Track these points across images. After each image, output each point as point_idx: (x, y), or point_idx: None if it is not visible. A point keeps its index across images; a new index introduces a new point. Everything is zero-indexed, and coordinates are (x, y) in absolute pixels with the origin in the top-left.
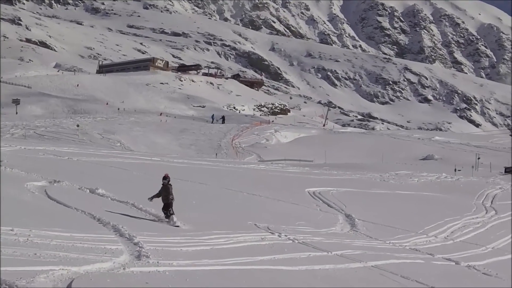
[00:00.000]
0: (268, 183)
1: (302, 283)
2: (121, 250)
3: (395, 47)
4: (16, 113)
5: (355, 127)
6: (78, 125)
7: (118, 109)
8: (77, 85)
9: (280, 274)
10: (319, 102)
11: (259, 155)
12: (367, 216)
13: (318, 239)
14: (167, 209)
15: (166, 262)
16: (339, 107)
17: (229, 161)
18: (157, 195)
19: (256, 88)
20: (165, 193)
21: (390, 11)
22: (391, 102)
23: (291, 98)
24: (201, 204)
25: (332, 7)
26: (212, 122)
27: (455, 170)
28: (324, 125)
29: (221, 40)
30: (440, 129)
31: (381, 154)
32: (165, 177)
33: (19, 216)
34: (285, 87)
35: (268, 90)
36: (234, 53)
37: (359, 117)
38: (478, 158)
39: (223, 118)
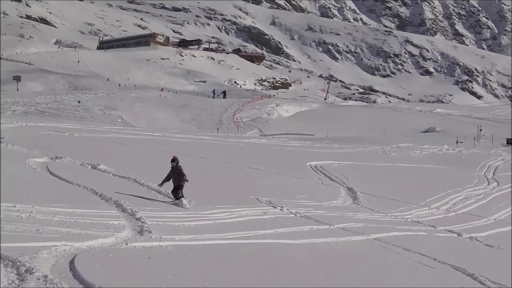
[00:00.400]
0: (270, 157)
1: (304, 256)
2: (123, 225)
3: (396, 19)
4: (17, 90)
5: (356, 100)
6: (79, 101)
7: (119, 85)
8: (78, 62)
9: (282, 247)
10: (320, 76)
11: (261, 129)
12: (369, 189)
13: (320, 213)
14: (177, 191)
15: (169, 237)
16: (340, 81)
17: (231, 136)
18: (166, 179)
19: (257, 63)
20: (177, 176)
21: None
22: (392, 75)
23: (290, 71)
24: (202, 179)
25: None
26: (213, 97)
27: (457, 142)
28: (325, 99)
29: (222, 15)
30: (442, 101)
31: (382, 127)
32: (174, 159)
33: (21, 192)
34: (286, 61)
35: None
36: (234, 28)
37: (361, 90)
38: (480, 130)
39: (224, 93)
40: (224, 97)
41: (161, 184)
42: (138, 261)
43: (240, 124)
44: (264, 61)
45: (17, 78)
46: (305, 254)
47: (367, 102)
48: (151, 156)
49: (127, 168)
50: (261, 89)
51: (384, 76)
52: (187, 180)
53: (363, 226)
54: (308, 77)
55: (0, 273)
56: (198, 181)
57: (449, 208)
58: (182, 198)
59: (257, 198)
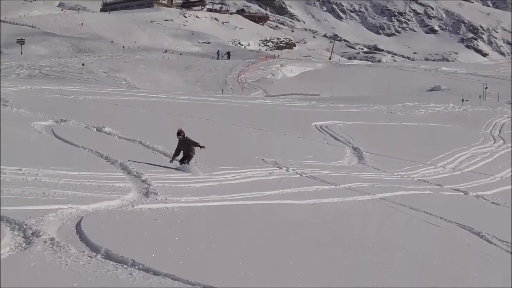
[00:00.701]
0: (275, 118)
1: (310, 216)
2: (129, 187)
3: None
4: (21, 53)
5: (361, 59)
6: (83, 64)
7: (123, 47)
8: (81, 24)
9: (288, 208)
10: (325, 36)
11: (265, 90)
12: (374, 148)
13: (326, 173)
14: (184, 160)
15: (174, 199)
16: (344, 40)
17: (235, 97)
18: (176, 153)
19: (261, 23)
20: (187, 148)
21: None
22: (397, 34)
23: (292, 31)
24: (207, 140)
25: None
26: (217, 58)
27: (463, 100)
28: (330, 59)
29: None
30: (447, 60)
31: (387, 86)
32: (179, 133)
33: (26, 155)
34: (290, 21)
35: (276, 26)
36: None
37: (365, 49)
38: (486, 88)
39: (228, 54)
40: (229, 58)
41: (172, 160)
42: (144, 223)
43: (245, 85)
44: (268, 21)
45: (21, 41)
46: (311, 214)
47: (372, 62)
48: (156, 118)
49: (132, 131)
50: (265, 50)
51: (388, 35)
52: (203, 147)
53: (369, 185)
54: (314, 37)
55: (1, 237)
56: (203, 142)
57: (455, 166)
58: (185, 162)
59: (262, 159)
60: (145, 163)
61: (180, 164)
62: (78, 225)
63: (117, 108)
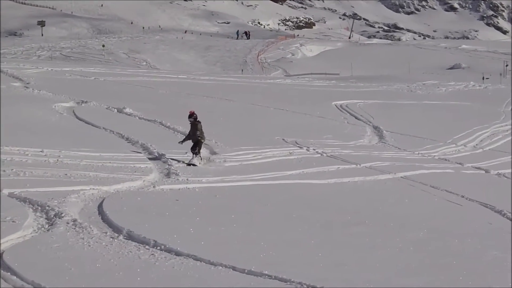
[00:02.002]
0: (295, 98)
1: (331, 195)
2: (150, 168)
3: None
4: (42, 35)
5: (380, 38)
6: (103, 45)
7: (143, 28)
8: (101, 5)
9: (309, 187)
10: (344, 15)
11: (285, 69)
12: (395, 127)
13: (347, 152)
14: (195, 148)
15: (195, 179)
16: (364, 19)
17: (255, 77)
18: (187, 137)
19: (280, 3)
20: (193, 131)
21: None
22: (416, 12)
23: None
24: (228, 121)
25: None
26: (237, 38)
27: (483, 78)
28: (349, 38)
29: None
30: (467, 38)
31: (407, 64)
32: (191, 115)
33: (48, 137)
34: (309, 0)
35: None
36: None
37: (385, 28)
38: (506, 65)
39: (248, 33)
40: (248, 38)
41: (182, 142)
42: (165, 203)
43: (265, 64)
44: (288, 0)
45: (41, 23)
46: (332, 193)
47: (392, 40)
48: (177, 98)
49: (153, 111)
50: (285, 29)
51: (408, 13)
52: (199, 137)
53: (390, 164)
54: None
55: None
56: (223, 123)
57: (476, 144)
58: (195, 156)
59: (283, 138)
60: (167, 141)
61: (191, 151)
62: (100, 206)
63: (137, 89)
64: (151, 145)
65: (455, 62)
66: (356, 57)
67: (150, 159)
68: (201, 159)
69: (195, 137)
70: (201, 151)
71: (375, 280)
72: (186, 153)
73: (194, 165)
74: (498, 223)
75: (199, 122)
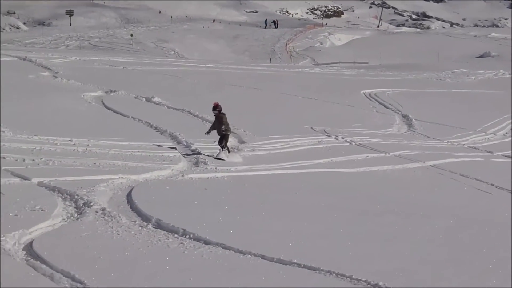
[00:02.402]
0: (323, 87)
1: (360, 184)
2: (179, 157)
3: None
4: (70, 24)
5: (409, 27)
6: (131, 35)
7: (171, 17)
8: None
9: (337, 176)
10: (373, 3)
11: (314, 58)
12: (424, 116)
13: (375, 141)
14: (221, 142)
15: (224, 168)
16: (392, 7)
17: (284, 66)
18: (212, 128)
19: None
20: (218, 125)
21: None
22: (445, 0)
23: None
24: (256, 110)
25: None
26: (265, 27)
27: None
28: (378, 26)
29: None
30: (497, 26)
31: (436, 53)
32: (215, 107)
33: (77, 126)
34: None
35: None
36: None
37: (414, 16)
38: None
39: (276, 22)
40: (276, 27)
41: (208, 133)
42: (194, 192)
43: (293, 53)
44: None
45: (69, 13)
46: (361, 182)
47: (421, 29)
48: (205, 88)
49: (181, 100)
50: (313, 18)
51: (437, 1)
52: (226, 131)
53: (419, 153)
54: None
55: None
56: (251, 111)
57: (506, 133)
58: (222, 150)
59: (311, 127)
60: (195, 130)
61: (219, 144)
62: (129, 195)
63: (166, 78)
64: (179, 134)
65: (484, 51)
66: (385, 46)
67: (178, 148)
68: (228, 151)
69: (221, 131)
70: (228, 142)
71: (404, 269)
72: (215, 142)
73: (221, 159)
74: None
75: (223, 114)
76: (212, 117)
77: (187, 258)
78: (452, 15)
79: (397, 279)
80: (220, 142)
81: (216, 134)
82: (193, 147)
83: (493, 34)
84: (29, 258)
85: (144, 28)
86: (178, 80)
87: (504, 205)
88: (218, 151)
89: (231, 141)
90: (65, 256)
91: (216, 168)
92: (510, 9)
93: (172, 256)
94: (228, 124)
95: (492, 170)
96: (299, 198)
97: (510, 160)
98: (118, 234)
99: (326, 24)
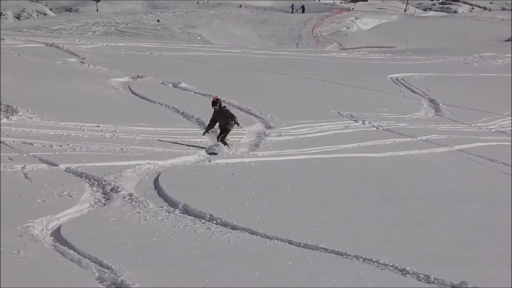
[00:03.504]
0: (350, 71)
1: (387, 169)
2: (206, 142)
3: None
4: (97, 10)
5: (437, 11)
6: (158, 20)
7: (198, 2)
8: None
9: (365, 161)
10: None
11: (340, 43)
12: (451, 100)
13: (402, 125)
14: (221, 134)
15: (251, 153)
16: None
17: (310, 51)
18: (210, 126)
19: None
20: (224, 120)
21: None
22: None
23: None
24: (283, 95)
25: None
26: (292, 12)
27: None
28: (405, 10)
29: None
30: None
31: (464, 37)
32: (215, 102)
33: (104, 112)
34: None
35: None
36: None
37: (441, 0)
38: None
39: (302, 7)
40: (303, 11)
41: (205, 133)
42: (221, 178)
43: (320, 38)
44: None
45: None
46: (388, 167)
47: (448, 12)
48: (231, 73)
49: (208, 86)
50: (340, 3)
51: None
52: (237, 124)
53: (446, 137)
54: None
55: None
56: (278, 96)
57: None
58: (217, 144)
59: (338, 112)
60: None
61: (218, 139)
62: (156, 181)
63: (192, 64)
64: (206, 120)
65: None
66: (411, 30)
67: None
68: (226, 144)
69: (225, 126)
70: (227, 136)
71: (432, 253)
72: (242, 127)
73: (214, 153)
74: None
75: (224, 108)
76: (240, 101)
77: (214, 244)
78: None
79: (424, 264)
80: (218, 136)
81: (216, 131)
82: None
83: None
84: (57, 244)
85: (170, 13)
86: (205, 65)
87: None
88: (211, 146)
89: (258, 126)
90: (92, 242)
91: (243, 153)
92: None
93: (199, 242)
94: (234, 116)
95: None
96: (326, 183)
97: None
98: (145, 220)
99: (353, 8)
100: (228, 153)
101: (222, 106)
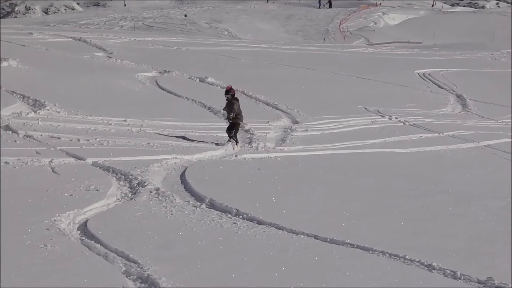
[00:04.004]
0: (377, 66)
1: (413, 164)
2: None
3: None
4: (124, 5)
5: (464, 6)
6: (185, 15)
7: None
8: None
9: (391, 156)
10: None
11: (367, 38)
12: (478, 95)
13: (429, 121)
14: (230, 130)
15: (277, 148)
16: None
17: (337, 46)
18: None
19: None
20: (228, 110)
21: None
22: None
23: None
24: (310, 90)
25: None
26: (319, 7)
27: None
28: (432, 6)
29: None
30: None
31: (491, 32)
32: (227, 91)
33: (131, 106)
34: None
35: None
36: None
37: None
38: None
39: (330, 2)
40: (330, 6)
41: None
42: (248, 173)
43: (347, 33)
44: None
45: None
46: (415, 162)
47: (475, 8)
48: (258, 68)
49: (234, 80)
50: None
51: None
52: (236, 119)
53: (473, 133)
54: None
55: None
56: (305, 92)
57: None
58: (230, 141)
59: (365, 107)
60: (249, 109)
61: (227, 132)
62: (182, 175)
63: (219, 59)
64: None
65: None
66: (439, 25)
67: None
68: (236, 143)
69: (235, 119)
70: (238, 133)
71: (458, 249)
72: (268, 122)
73: (225, 150)
74: None
75: (236, 100)
76: (267, 96)
77: (240, 238)
78: None
79: (450, 259)
80: (229, 131)
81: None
82: (246, 127)
83: None
84: (84, 238)
85: (198, 8)
86: (232, 60)
87: None
88: (225, 145)
89: (285, 121)
90: (119, 236)
91: (269, 148)
92: None
93: (226, 236)
94: (240, 112)
95: None
96: (352, 178)
97: None
98: (172, 214)
99: (380, 4)
100: (232, 152)
101: (235, 97)
